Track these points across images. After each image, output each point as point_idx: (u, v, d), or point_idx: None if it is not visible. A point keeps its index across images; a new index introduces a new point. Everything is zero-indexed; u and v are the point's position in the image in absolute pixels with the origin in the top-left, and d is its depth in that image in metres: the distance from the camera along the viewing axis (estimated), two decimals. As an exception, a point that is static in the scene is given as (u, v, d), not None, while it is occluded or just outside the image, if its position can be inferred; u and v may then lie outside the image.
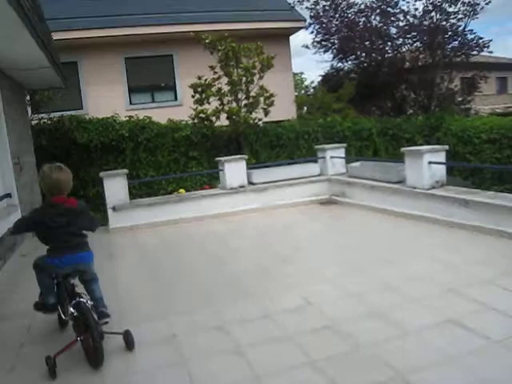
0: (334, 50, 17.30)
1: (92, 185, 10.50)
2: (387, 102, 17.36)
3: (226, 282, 5.04)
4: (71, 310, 3.40)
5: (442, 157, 6.99)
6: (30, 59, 6.97)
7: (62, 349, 3.35)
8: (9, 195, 6.81)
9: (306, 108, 19.50)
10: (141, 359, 3.44)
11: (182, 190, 10.30)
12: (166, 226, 8.00)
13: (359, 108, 17.18)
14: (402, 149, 7.39)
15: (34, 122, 10.65)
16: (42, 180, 3.59)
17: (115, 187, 8.02)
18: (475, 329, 3.45)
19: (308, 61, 74.37)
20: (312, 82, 25.03)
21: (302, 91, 25.99)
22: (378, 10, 16.22)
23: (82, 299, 3.41)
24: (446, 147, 7.09)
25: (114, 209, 7.98)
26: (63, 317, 3.74)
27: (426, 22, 15.76)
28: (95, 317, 3.38)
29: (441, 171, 6.97)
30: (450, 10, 15.44)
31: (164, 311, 4.35)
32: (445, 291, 4.24)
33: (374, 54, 16.56)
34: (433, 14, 15.58)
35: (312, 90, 23.33)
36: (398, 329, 3.58)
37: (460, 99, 16.97)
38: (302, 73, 27.20)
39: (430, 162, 6.85)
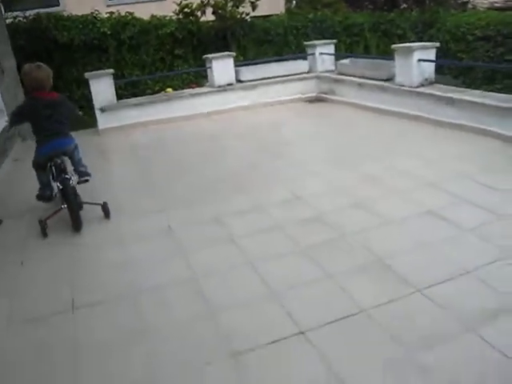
0: None
1: (77, 86, 10.22)
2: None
3: (219, 178, 5.21)
4: (58, 184, 4.05)
5: (432, 54, 6.90)
6: None
7: (50, 214, 4.12)
8: (-8, 100, 6.67)
9: (294, 2, 18.57)
10: (135, 247, 3.71)
11: (169, 89, 10.15)
12: (155, 125, 7.99)
13: (351, 2, 16.41)
14: (393, 46, 7.27)
15: (8, 21, 10.06)
16: (23, 78, 4.08)
17: (102, 88, 7.85)
18: (451, 219, 3.72)
19: None
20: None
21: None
22: None
23: (67, 176, 4.05)
24: (437, 44, 6.98)
25: (102, 110, 7.89)
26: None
27: None
28: (76, 190, 4.21)
29: (430, 69, 6.93)
30: None
31: (159, 206, 4.56)
32: (425, 185, 4.48)
33: None
34: None
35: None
36: (381, 218, 3.85)
37: (457, -8, 16.21)
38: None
39: (419, 60, 6.79)
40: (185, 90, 9.20)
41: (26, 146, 6.79)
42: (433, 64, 6.94)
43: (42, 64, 4.02)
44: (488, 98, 5.98)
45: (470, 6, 16.53)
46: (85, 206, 4.30)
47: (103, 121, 7.95)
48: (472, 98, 6.08)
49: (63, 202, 4.05)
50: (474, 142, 5.64)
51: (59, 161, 4.05)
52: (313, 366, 2.33)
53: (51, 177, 4.19)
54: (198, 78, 10.79)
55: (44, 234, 4.03)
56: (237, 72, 8.86)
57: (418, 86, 6.86)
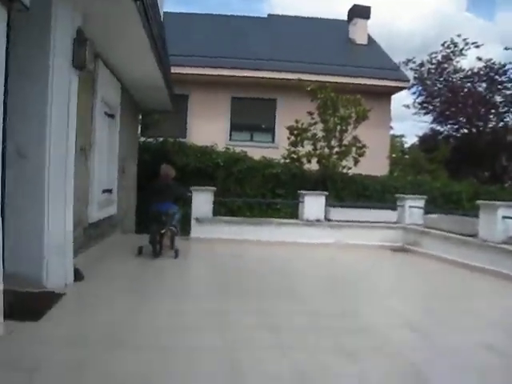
0: (435, 113, 17.39)
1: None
2: (484, 170, 16.96)
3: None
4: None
5: (519, 213, 6.97)
6: (152, 82, 8.26)
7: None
8: (110, 191, 7.81)
9: (399, 168, 19.52)
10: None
11: (262, 220, 10.89)
12: (240, 244, 8.60)
13: (453, 172, 16.94)
14: (477, 201, 7.46)
15: (141, 140, 12.04)
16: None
17: (202, 201, 8.90)
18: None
19: (410, 126, 73.22)
20: (412, 145, 24.68)
21: (400, 154, 25.87)
22: (484, 78, 16.20)
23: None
24: (524, 203, 7.07)
25: (197, 220, 8.81)
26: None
27: (536, 93, 15.50)
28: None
29: (516, 227, 6.94)
30: None
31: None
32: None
33: (475, 121, 16.43)
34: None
35: (408, 150, 23.31)
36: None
37: None
38: (403, 135, 26.94)
39: (504, 217, 6.86)
40: (274, 219, 9.84)
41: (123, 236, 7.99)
42: (519, 223, 6.95)
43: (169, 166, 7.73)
44: None
45: None
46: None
47: (196, 230, 8.84)
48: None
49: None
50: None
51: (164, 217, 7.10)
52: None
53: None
54: (294, 217, 11.44)
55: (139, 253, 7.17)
56: (327, 211, 9.44)
57: (501, 243, 6.83)
